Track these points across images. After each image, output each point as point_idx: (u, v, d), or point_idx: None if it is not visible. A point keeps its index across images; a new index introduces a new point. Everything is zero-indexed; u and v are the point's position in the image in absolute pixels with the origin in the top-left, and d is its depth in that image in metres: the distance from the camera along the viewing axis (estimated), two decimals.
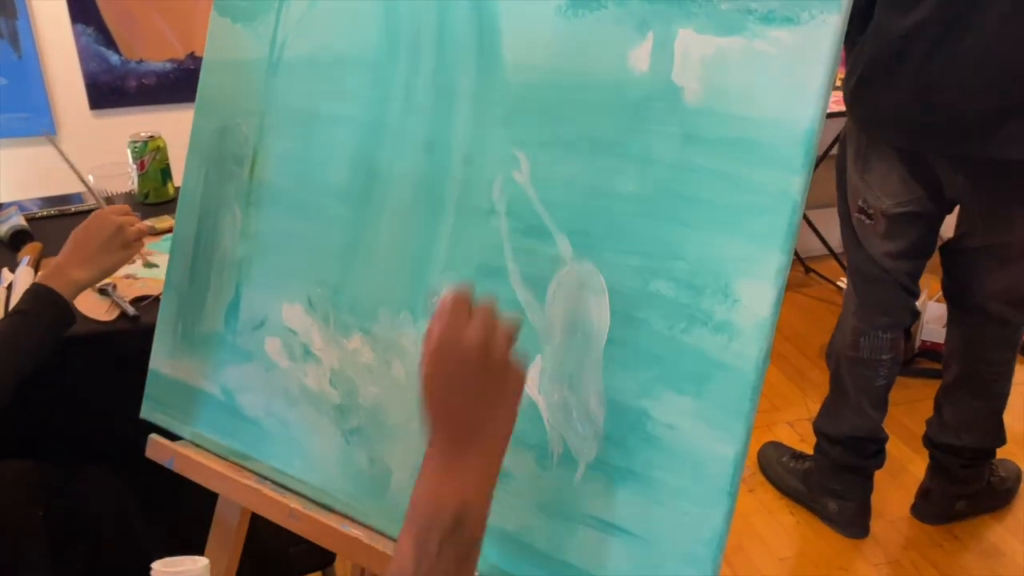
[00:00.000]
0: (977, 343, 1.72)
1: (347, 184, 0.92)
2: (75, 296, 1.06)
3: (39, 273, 1.10)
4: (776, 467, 1.97)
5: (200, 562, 0.77)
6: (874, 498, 1.90)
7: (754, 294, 0.69)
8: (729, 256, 0.70)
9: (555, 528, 0.78)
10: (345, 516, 0.90)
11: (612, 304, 0.76)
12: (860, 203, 1.64)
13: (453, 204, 0.85)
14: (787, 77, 0.68)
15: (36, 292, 1.03)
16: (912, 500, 1.89)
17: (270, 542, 1.38)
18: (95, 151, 2.20)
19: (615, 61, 0.75)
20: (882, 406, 1.78)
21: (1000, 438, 1.79)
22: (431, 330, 0.65)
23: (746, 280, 0.70)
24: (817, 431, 1.85)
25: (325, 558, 1.43)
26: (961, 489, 1.81)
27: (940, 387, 1.82)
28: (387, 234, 0.90)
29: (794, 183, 0.68)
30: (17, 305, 1.03)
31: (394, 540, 0.87)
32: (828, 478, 1.82)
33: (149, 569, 1.25)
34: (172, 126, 1.87)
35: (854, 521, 1.81)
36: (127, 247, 1.10)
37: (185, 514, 1.23)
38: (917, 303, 2.34)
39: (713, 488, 0.71)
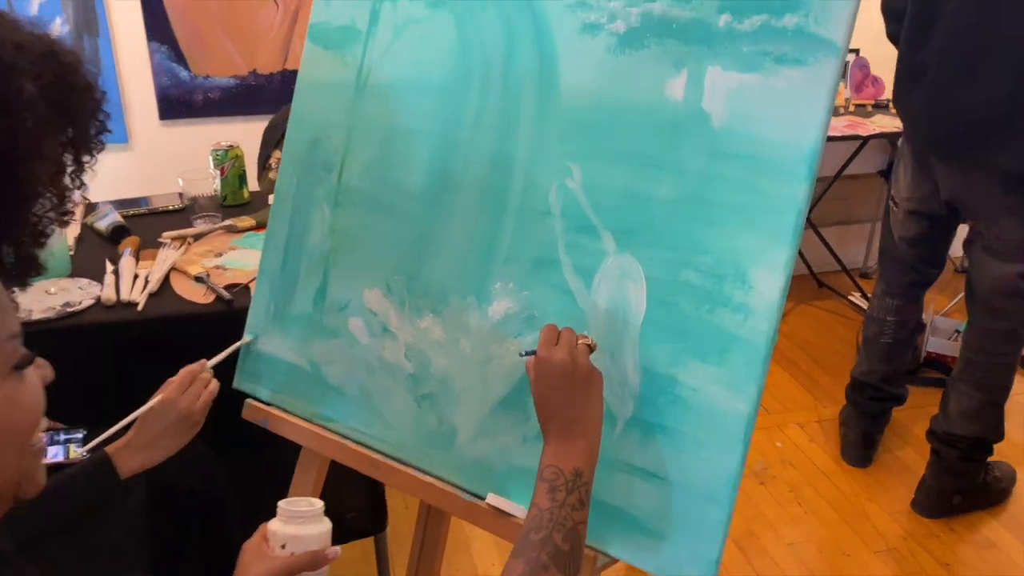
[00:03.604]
0: (980, 334, 1.91)
1: (423, 188, 1.09)
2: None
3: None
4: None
5: (316, 504, 0.93)
6: (878, 494, 2.06)
7: (766, 281, 0.86)
8: (746, 250, 0.87)
9: (597, 474, 0.94)
10: (417, 468, 1.07)
11: (648, 290, 0.93)
12: (892, 192, 2.02)
13: (514, 206, 1.02)
14: (795, 106, 0.85)
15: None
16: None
17: (328, 508, 1.53)
18: (162, 158, 2.41)
19: (655, 90, 0.92)
20: (886, 361, 2.11)
21: (998, 433, 1.94)
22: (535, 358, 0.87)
23: (759, 269, 0.86)
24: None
25: (378, 524, 1.59)
26: (958, 483, 1.95)
27: (948, 379, 1.99)
28: (456, 231, 1.07)
29: (799, 191, 0.84)
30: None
31: (459, 487, 1.03)
32: (844, 410, 2.25)
33: (230, 537, 1.40)
34: (233, 136, 2.06)
35: (853, 450, 2.19)
36: (194, 425, 1.12)
37: (266, 490, 1.38)
38: (924, 317, 2.52)
39: (730, 438, 0.87)
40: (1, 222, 0.84)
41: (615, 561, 0.95)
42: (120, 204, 1.84)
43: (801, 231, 0.85)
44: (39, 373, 0.60)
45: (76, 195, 0.96)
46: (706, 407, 0.89)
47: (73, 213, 0.95)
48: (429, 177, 1.09)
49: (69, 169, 0.93)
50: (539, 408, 0.85)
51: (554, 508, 0.78)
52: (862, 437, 2.17)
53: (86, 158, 0.95)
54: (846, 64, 2.83)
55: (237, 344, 1.20)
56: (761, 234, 0.86)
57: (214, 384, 1.12)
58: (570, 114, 0.98)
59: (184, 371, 1.10)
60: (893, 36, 1.87)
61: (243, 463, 1.37)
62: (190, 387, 1.10)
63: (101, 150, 0.96)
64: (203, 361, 1.12)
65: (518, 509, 0.97)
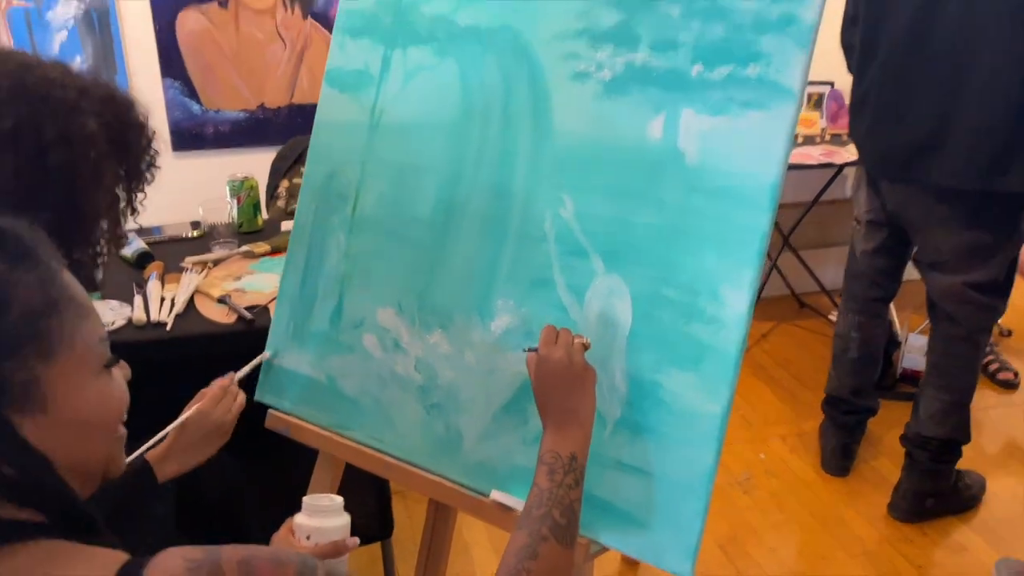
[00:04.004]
0: (941, 340, 2.07)
1: (431, 217, 1.21)
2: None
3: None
4: None
5: (337, 500, 1.04)
6: (855, 502, 2.17)
7: (735, 297, 0.98)
8: (717, 270, 0.99)
9: (588, 471, 1.05)
10: (427, 470, 1.18)
11: (633, 306, 1.05)
12: (855, 212, 2.20)
13: (514, 233, 1.14)
14: (758, 145, 0.98)
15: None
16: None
17: None
18: (175, 188, 2.52)
19: (636, 131, 1.05)
20: (853, 375, 2.24)
21: (966, 433, 2.08)
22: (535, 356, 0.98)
23: (729, 287, 0.98)
24: None
25: (385, 530, 1.70)
26: (930, 486, 2.08)
27: (918, 386, 2.14)
28: (461, 255, 1.19)
29: (763, 219, 0.97)
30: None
31: (465, 487, 1.14)
32: (822, 423, 2.37)
33: (249, 535, 1.50)
34: (242, 166, 2.18)
35: (831, 460, 2.31)
36: (225, 434, 1.22)
37: (284, 494, 1.49)
38: (900, 335, 2.66)
39: (706, 436, 0.99)
40: (66, 245, 0.95)
41: (606, 549, 1.06)
42: (137, 232, 1.95)
43: (765, 253, 0.98)
44: (122, 372, 0.72)
45: (129, 221, 1.08)
46: (685, 409, 1.01)
47: (127, 237, 1.07)
48: (436, 207, 1.21)
49: (123, 198, 1.06)
50: (539, 400, 0.97)
51: (553, 487, 0.89)
52: (840, 448, 2.29)
53: (137, 189, 1.07)
54: (822, 96, 2.99)
55: (258, 359, 1.31)
56: (730, 256, 0.98)
57: (242, 397, 1.23)
58: (562, 151, 1.11)
59: (216, 385, 1.21)
60: (851, 69, 2.06)
61: (261, 467, 1.47)
62: (222, 400, 1.20)
63: (151, 182, 1.09)
64: (231, 374, 1.23)
65: (519, 504, 1.08)
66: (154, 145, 1.10)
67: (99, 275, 1.05)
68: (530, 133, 1.14)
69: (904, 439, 2.12)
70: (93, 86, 1.02)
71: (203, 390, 1.22)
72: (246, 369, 1.28)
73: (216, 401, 1.20)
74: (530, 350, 1.00)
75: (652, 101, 1.04)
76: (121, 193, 1.07)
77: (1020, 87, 1.72)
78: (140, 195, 1.10)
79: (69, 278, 0.71)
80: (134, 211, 1.09)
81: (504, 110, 1.16)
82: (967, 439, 2.08)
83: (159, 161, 1.17)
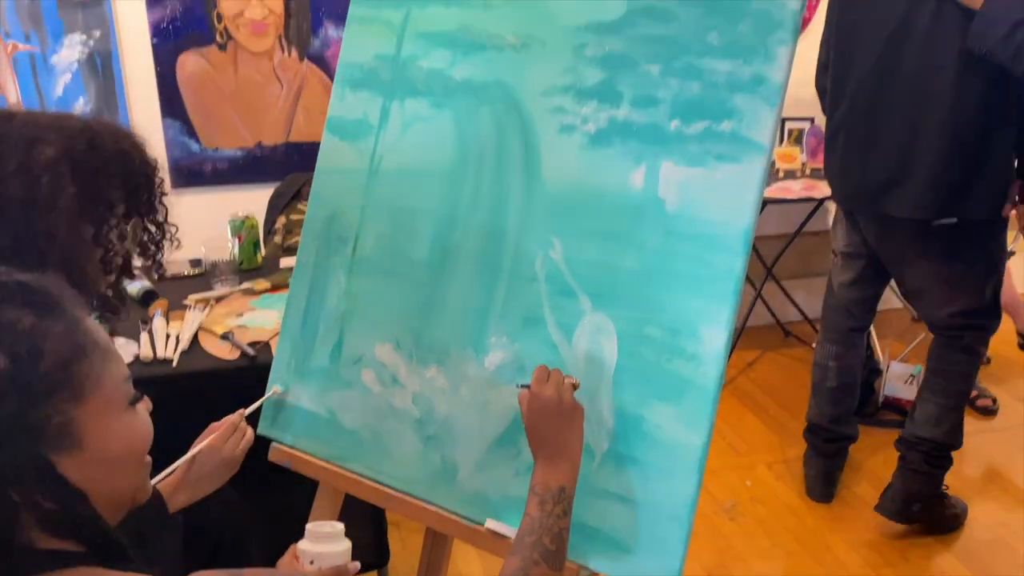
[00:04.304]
0: (940, 346, 2.17)
1: (427, 257, 1.28)
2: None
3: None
4: None
5: (338, 527, 1.09)
6: (839, 527, 2.23)
7: (712, 335, 1.05)
8: (696, 310, 1.06)
9: (578, 500, 1.11)
10: (424, 500, 1.24)
11: (619, 343, 1.11)
12: (833, 246, 2.31)
13: (506, 273, 1.21)
14: (732, 195, 1.05)
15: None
16: (871, 533, 2.21)
17: None
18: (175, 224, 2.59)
19: (620, 180, 1.13)
20: (832, 404, 2.33)
21: (958, 438, 2.16)
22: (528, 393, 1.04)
23: (707, 326, 1.05)
24: None
25: (380, 558, 1.74)
26: (920, 488, 2.15)
27: (917, 393, 2.22)
28: (457, 294, 1.25)
29: (737, 263, 1.04)
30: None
31: (461, 516, 1.20)
32: (805, 451, 2.44)
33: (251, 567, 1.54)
34: (239, 203, 2.25)
35: (814, 487, 2.37)
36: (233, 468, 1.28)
37: (284, 526, 1.53)
38: (881, 364, 2.74)
39: (687, 466, 1.05)
40: (64, 269, 0.97)
41: (595, 574, 1.12)
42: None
43: (740, 293, 1.05)
44: (144, 406, 0.78)
45: (123, 248, 1.12)
46: (668, 440, 1.07)
47: (114, 266, 1.11)
48: (433, 248, 1.28)
49: (112, 226, 1.08)
50: (530, 435, 1.03)
51: (543, 516, 0.95)
52: (822, 475, 2.36)
53: (133, 217, 1.11)
54: (802, 132, 3.09)
55: (268, 395, 1.37)
56: (707, 297, 1.05)
57: (250, 432, 1.29)
58: (551, 198, 1.18)
59: (226, 421, 1.26)
60: (825, 111, 2.18)
61: (262, 499, 1.52)
62: (232, 435, 1.26)
63: (156, 212, 1.13)
64: (241, 411, 1.29)
65: (513, 532, 1.13)
66: (158, 176, 1.14)
67: (117, 303, 1.10)
68: (521, 180, 1.21)
69: (899, 443, 2.20)
70: (70, 121, 1.05)
71: (213, 424, 1.27)
72: (255, 405, 1.33)
73: (226, 437, 1.25)
74: (522, 387, 1.06)
75: (633, 153, 1.12)
76: (112, 222, 1.09)
77: (974, 122, 1.85)
78: (168, 230, 1.14)
79: (92, 324, 0.77)
80: (136, 238, 1.13)
81: (497, 158, 1.23)
82: (958, 444, 2.17)
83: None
